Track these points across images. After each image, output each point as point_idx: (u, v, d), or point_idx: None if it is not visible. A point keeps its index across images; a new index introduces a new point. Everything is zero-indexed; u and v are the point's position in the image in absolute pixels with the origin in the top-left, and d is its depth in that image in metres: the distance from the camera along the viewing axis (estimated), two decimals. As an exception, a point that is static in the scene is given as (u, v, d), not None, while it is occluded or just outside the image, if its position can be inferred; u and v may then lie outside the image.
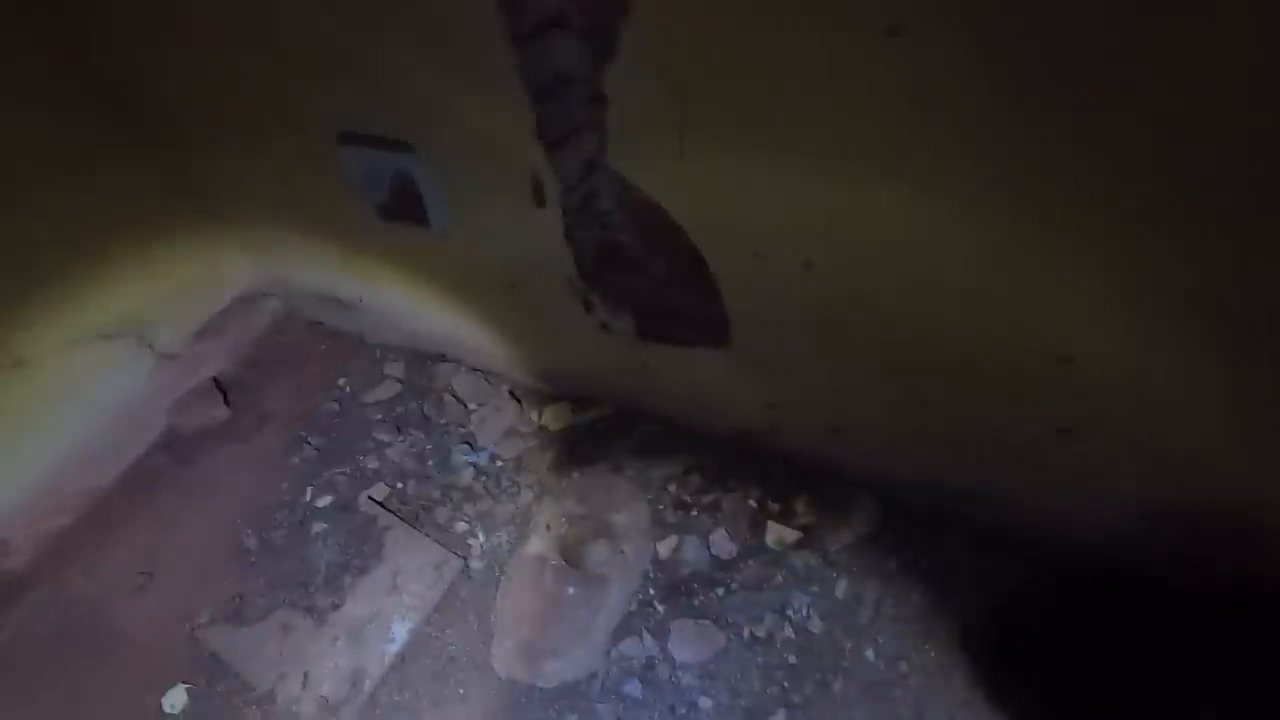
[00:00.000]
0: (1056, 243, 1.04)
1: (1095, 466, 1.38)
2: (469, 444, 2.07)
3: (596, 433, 2.03)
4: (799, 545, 1.73)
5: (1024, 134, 0.93)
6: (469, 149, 1.47)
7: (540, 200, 1.49)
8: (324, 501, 2.02)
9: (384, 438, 2.14)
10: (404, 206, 1.68)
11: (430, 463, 2.06)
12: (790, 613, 1.64)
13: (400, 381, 2.29)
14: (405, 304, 2.13)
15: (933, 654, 1.55)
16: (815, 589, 1.67)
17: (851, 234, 1.20)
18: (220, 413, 2.29)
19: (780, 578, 1.69)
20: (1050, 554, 1.60)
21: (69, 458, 2.03)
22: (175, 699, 1.70)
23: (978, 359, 1.29)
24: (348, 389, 2.31)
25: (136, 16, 1.61)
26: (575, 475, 1.94)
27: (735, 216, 1.28)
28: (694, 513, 1.82)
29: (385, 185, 1.66)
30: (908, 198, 1.09)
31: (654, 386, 1.88)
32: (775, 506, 1.80)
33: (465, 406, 2.17)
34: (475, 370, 2.24)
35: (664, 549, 1.77)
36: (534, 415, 2.10)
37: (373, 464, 2.09)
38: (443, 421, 2.15)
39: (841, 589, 1.66)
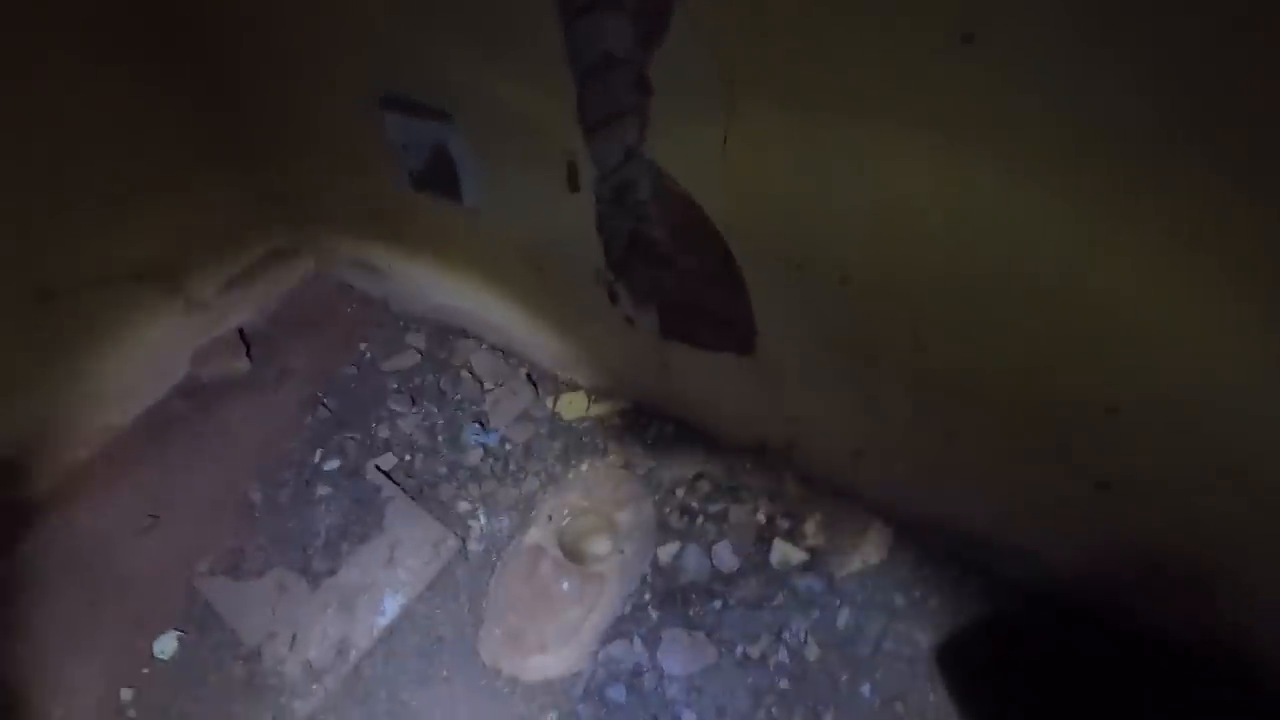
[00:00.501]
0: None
1: (1128, 523, 1.29)
2: (480, 424, 2.04)
3: (610, 427, 1.98)
4: (804, 567, 1.67)
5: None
6: (507, 125, 1.43)
7: (574, 185, 1.44)
8: (331, 465, 2.01)
9: (398, 408, 2.13)
10: (438, 177, 1.65)
11: (440, 438, 2.04)
12: (787, 636, 1.58)
13: (420, 353, 2.27)
14: (432, 276, 2.10)
15: (932, 698, 1.48)
16: (816, 615, 1.60)
17: (894, 248, 1.12)
18: (241, 364, 2.30)
19: (781, 598, 1.63)
20: (1066, 605, 1.51)
21: (90, 394, 2.06)
22: (166, 645, 1.71)
23: (1019, 403, 1.21)
24: (368, 354, 2.30)
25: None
26: (584, 468, 1.90)
27: (774, 220, 1.22)
28: (700, 520, 1.77)
29: (422, 154, 1.63)
30: (966, 207, 1.02)
31: (673, 387, 1.83)
32: (784, 524, 1.74)
33: (481, 385, 2.14)
34: (495, 349, 2.22)
35: (665, 554, 1.73)
36: (549, 402, 2.06)
37: (384, 433, 2.07)
38: (457, 398, 2.13)
39: (844, 618, 1.59)
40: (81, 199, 1.88)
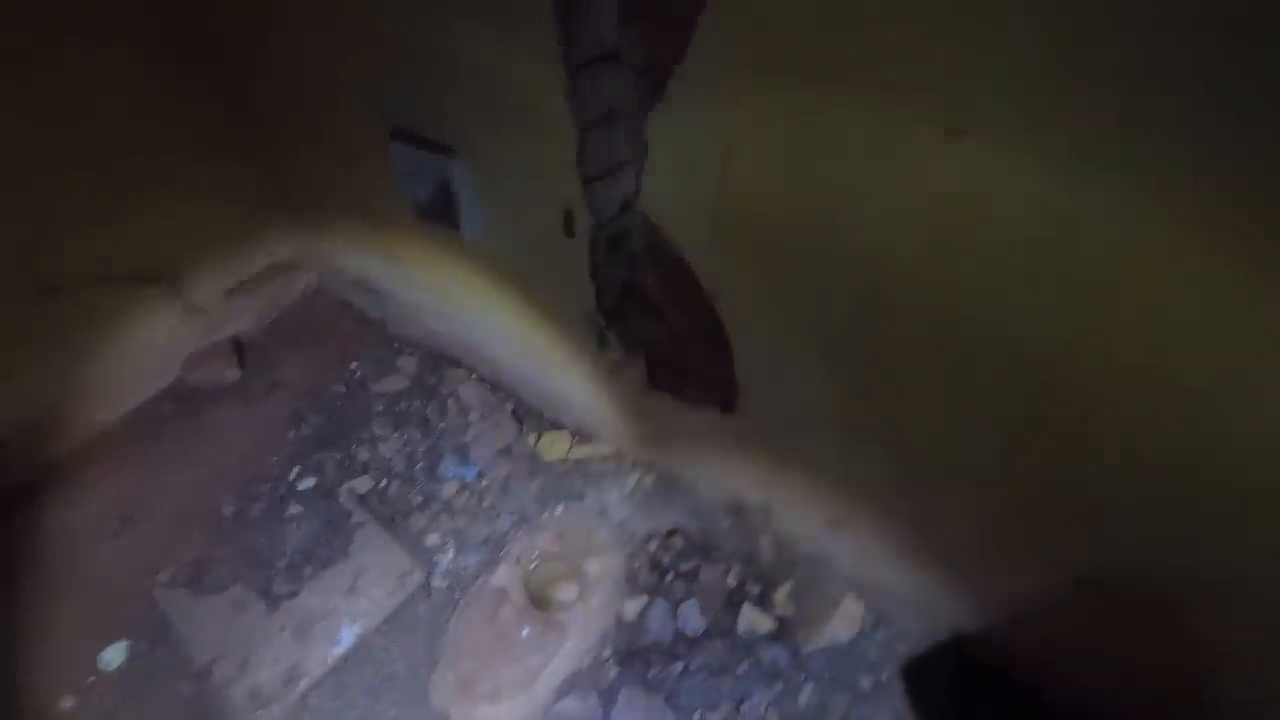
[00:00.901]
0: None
1: (1107, 621, 1.24)
2: (461, 456, 2.02)
3: (589, 472, 1.96)
4: (772, 637, 1.62)
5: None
6: (508, 168, 1.44)
7: (570, 231, 1.44)
8: (307, 483, 1.99)
9: (381, 431, 2.11)
10: (439, 207, 1.66)
11: (419, 466, 2.02)
12: (747, 708, 1.53)
13: (410, 377, 2.27)
14: (428, 302, 2.11)
15: (891, 791, 1.42)
16: (779, 688, 1.55)
17: (877, 333, 1.11)
18: (232, 373, 2.30)
19: (745, 667, 1.58)
20: (1047, 701, 1.45)
21: (80, 388, 2.06)
22: (114, 655, 1.67)
23: (1002, 488, 1.18)
24: (358, 374, 2.30)
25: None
26: (558, 511, 1.87)
27: (761, 289, 1.21)
28: (669, 578, 1.73)
29: (426, 184, 1.64)
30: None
31: (656, 437, 1.81)
32: (755, 589, 1.70)
33: (466, 416, 2.13)
34: (484, 381, 2.20)
35: (630, 609, 1.68)
36: (531, 440, 2.04)
37: (364, 455, 2.05)
38: (441, 426, 2.11)
39: (806, 694, 1.54)
40: (92, 197, 1.90)
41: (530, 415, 2.11)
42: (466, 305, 1.97)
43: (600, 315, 1.60)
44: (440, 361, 2.29)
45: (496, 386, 2.18)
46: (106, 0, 1.74)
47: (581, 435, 2.03)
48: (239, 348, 2.36)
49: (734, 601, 1.68)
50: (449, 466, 2.00)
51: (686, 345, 1.47)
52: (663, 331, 1.50)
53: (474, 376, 2.22)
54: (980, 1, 0.73)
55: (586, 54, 1.13)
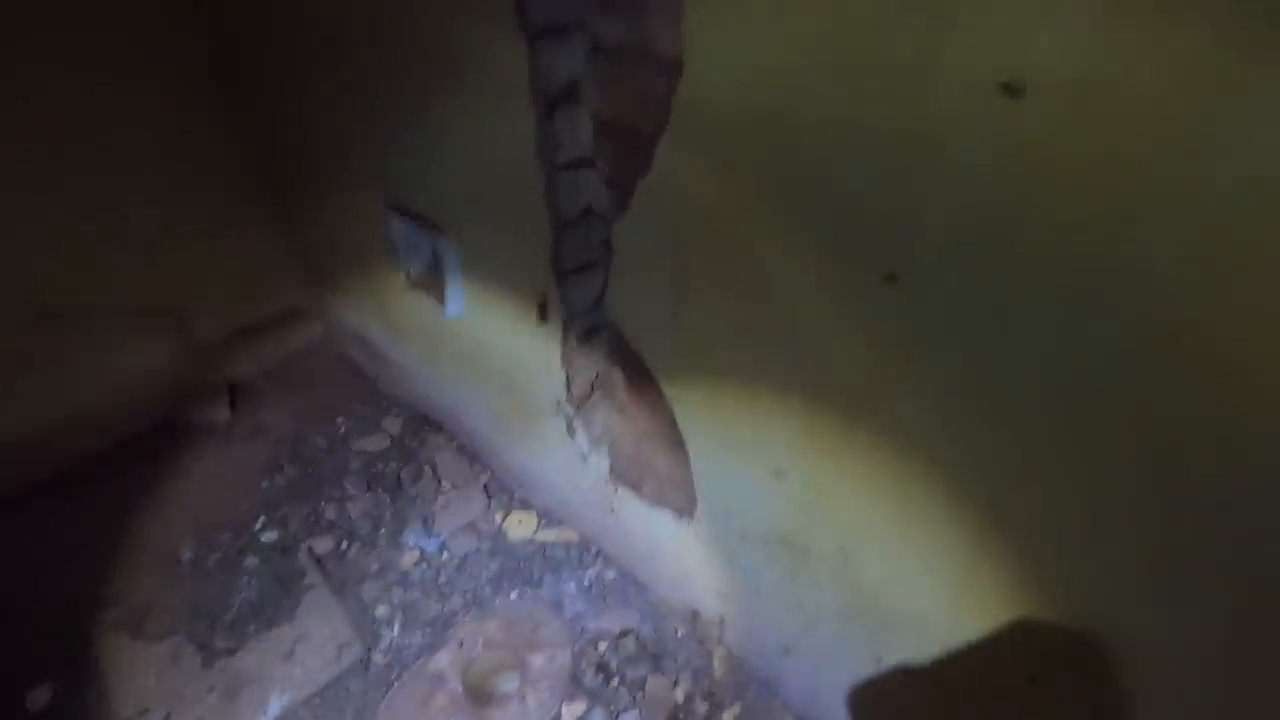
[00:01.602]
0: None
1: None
2: (426, 525, 1.99)
3: (551, 558, 1.90)
4: (713, 765, 1.51)
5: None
6: (490, 253, 1.47)
7: (543, 318, 1.45)
8: (269, 536, 1.97)
9: (353, 490, 2.10)
10: (429, 281, 1.69)
11: (382, 531, 1.99)
12: (676, 843, 1.41)
13: (392, 438, 2.27)
14: (416, 366, 2.13)
15: None
16: (713, 825, 1.44)
17: (825, 457, 1.08)
18: (222, 414, 2.32)
19: (679, 796, 1.48)
20: None
21: (70, 415, 2.10)
22: (39, 697, 1.63)
23: (949, 651, 1.11)
24: (342, 429, 2.30)
25: (263, 42, 1.76)
26: (512, 596, 1.81)
27: (714, 401, 1.19)
28: (614, 683, 1.65)
29: (419, 257, 1.68)
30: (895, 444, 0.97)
31: (619, 531, 1.76)
32: (702, 708, 1.60)
33: (439, 484, 2.10)
34: (463, 451, 2.19)
35: (569, 713, 1.60)
36: (498, 517, 2.00)
37: (331, 513, 2.03)
38: (413, 492, 2.09)
39: (741, 837, 1.42)
40: (117, 230, 1.99)
41: (502, 491, 2.08)
42: (450, 374, 1.98)
43: (569, 404, 1.59)
44: (423, 424, 2.29)
45: (474, 457, 2.16)
46: (145, 56, 1.87)
47: (550, 518, 1.99)
48: (233, 389, 2.39)
49: (678, 718, 1.58)
50: (412, 535, 1.96)
51: (647, 445, 1.45)
52: (625, 427, 1.48)
53: (454, 444, 2.21)
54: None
55: (566, 156, 1.16)
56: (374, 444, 2.25)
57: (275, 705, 1.62)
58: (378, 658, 1.71)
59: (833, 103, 0.76)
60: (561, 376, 1.53)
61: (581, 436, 1.62)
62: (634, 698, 1.62)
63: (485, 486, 2.08)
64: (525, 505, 2.03)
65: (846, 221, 0.83)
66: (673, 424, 1.33)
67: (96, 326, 2.08)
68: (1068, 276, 0.68)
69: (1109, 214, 0.63)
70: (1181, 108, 0.55)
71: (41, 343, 1.99)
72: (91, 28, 1.78)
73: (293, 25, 1.60)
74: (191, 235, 2.16)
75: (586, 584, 1.84)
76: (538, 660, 1.67)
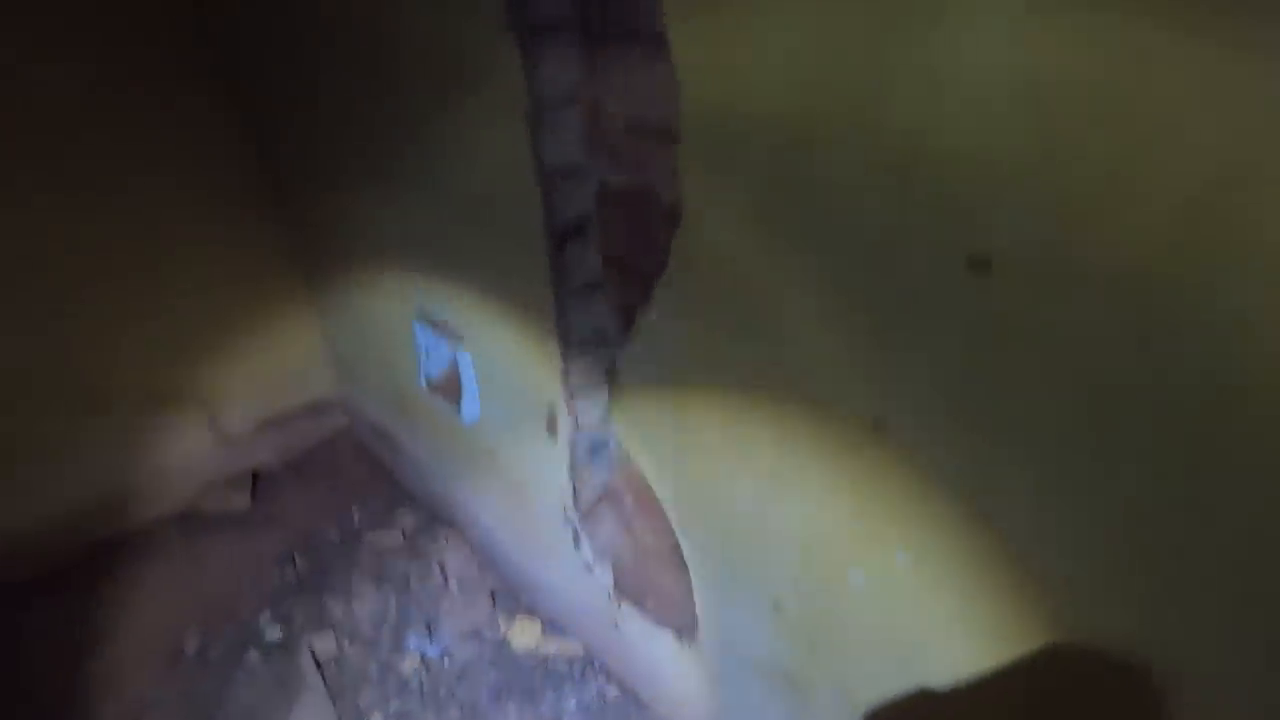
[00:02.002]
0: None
1: None
2: (430, 629, 1.96)
3: (553, 671, 1.85)
4: None
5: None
6: (506, 363, 1.52)
7: (553, 431, 1.48)
8: (273, 634, 1.96)
9: (361, 587, 2.09)
10: (447, 386, 1.75)
11: (385, 632, 1.96)
12: None
13: (405, 534, 2.27)
14: (433, 463, 2.16)
15: None
16: None
17: (822, 597, 1.05)
18: (241, 503, 2.37)
19: None
20: None
21: (95, 502, 2.16)
22: (26, 794, 1.61)
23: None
24: (356, 522, 2.32)
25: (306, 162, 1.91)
26: (510, 710, 1.76)
27: (714, 530, 1.19)
28: (610, 817, 1.56)
29: (439, 363, 1.75)
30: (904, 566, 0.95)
31: (623, 647, 1.71)
32: None
33: (447, 586, 2.09)
34: (474, 552, 2.18)
35: None
36: (502, 623, 1.97)
37: (337, 611, 2.02)
38: (420, 593, 2.07)
39: None
40: (155, 323, 2.12)
41: (509, 596, 2.05)
42: (464, 475, 2.01)
43: (575, 513, 1.59)
44: (438, 521, 2.30)
45: (483, 558, 2.15)
46: (192, 155, 2.04)
47: (553, 627, 1.94)
48: (255, 479, 2.45)
49: None
50: (415, 638, 1.93)
51: (651, 563, 1.43)
52: (630, 542, 1.47)
53: (464, 544, 2.21)
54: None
55: (576, 284, 1.23)
56: (386, 539, 2.25)
57: (258, 820, 1.57)
58: (368, 772, 1.66)
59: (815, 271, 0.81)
60: (569, 487, 1.54)
61: (587, 547, 1.61)
62: (630, 834, 1.53)
63: (492, 591, 2.06)
64: (531, 611, 1.99)
65: (832, 374, 0.85)
66: (675, 545, 1.32)
67: (130, 415, 2.17)
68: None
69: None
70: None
71: (76, 429, 2.08)
72: (136, 126, 1.95)
73: (339, 143, 1.74)
74: (229, 329, 2.28)
75: (587, 701, 1.77)
76: (531, 785, 1.60)
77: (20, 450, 2.03)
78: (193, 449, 2.33)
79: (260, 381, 2.43)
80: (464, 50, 1.15)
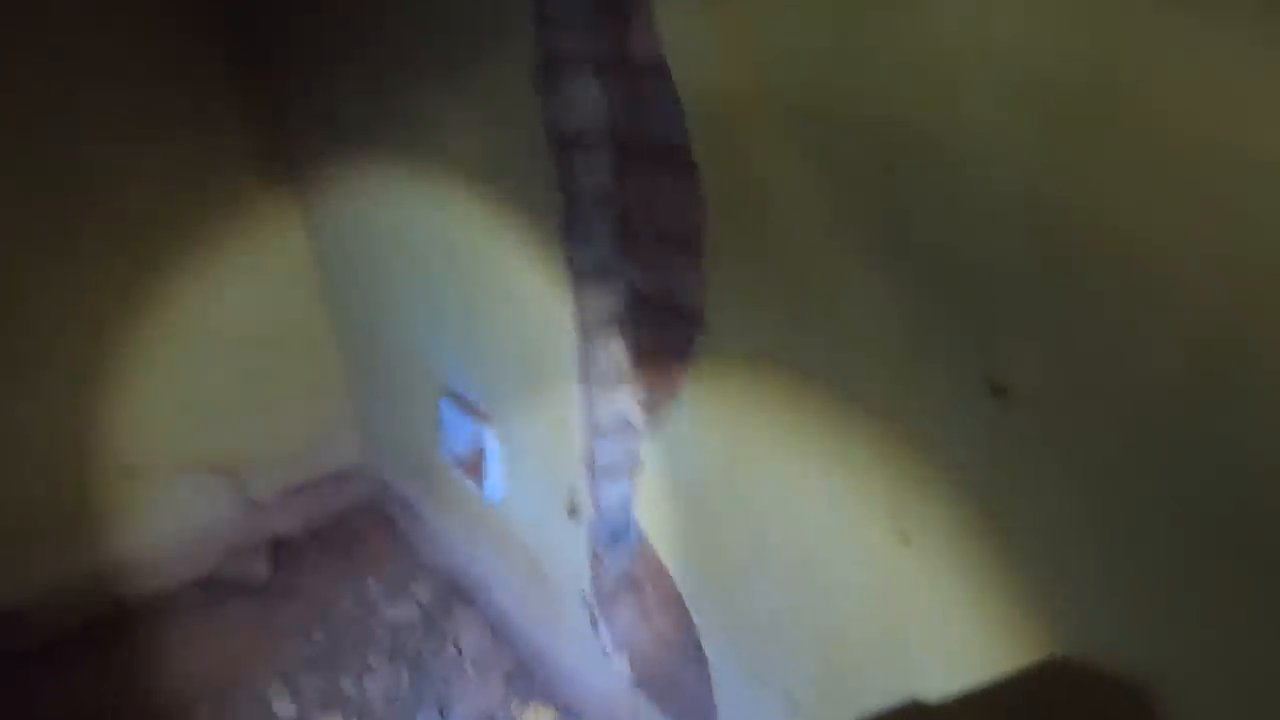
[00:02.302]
0: None
1: None
2: (440, 711, 1.92)
3: (566, 761, 1.80)
4: None
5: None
6: (529, 446, 1.55)
7: (573, 513, 1.49)
8: (284, 709, 1.93)
9: (373, 663, 2.07)
10: (470, 463, 1.78)
11: (396, 709, 1.93)
12: None
13: (421, 607, 2.26)
14: (453, 538, 2.17)
15: None
16: None
17: (843, 698, 1.03)
18: (262, 571, 2.38)
19: None
20: None
21: (117, 567, 2.19)
22: None
23: None
24: (373, 594, 2.31)
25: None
26: (520, 804, 1.70)
27: (735, 626, 1.18)
28: None
29: (463, 440, 1.78)
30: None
31: (638, 740, 1.66)
32: None
33: (461, 664, 2.06)
34: (491, 629, 2.16)
35: None
36: (516, 708, 1.93)
37: (348, 688, 2.00)
38: (434, 670, 2.04)
39: None
40: (192, 394, 2.19)
41: (524, 676, 2.01)
42: (484, 551, 2.01)
43: (594, 598, 1.58)
44: (455, 594, 2.28)
45: (500, 637, 2.12)
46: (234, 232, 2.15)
47: (568, 713, 1.90)
48: (276, 547, 2.46)
49: None
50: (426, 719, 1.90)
51: (668, 656, 1.41)
52: (647, 632, 1.45)
53: (481, 620, 2.18)
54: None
55: (600, 378, 1.26)
56: (403, 612, 2.24)
57: None
58: None
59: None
60: (588, 572, 1.53)
61: (605, 634, 1.59)
62: None
63: (507, 672, 2.02)
64: (546, 695, 1.95)
65: (853, 483, 0.86)
66: (696, 638, 1.31)
67: (153, 480, 2.22)
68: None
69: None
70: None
71: (101, 495, 2.13)
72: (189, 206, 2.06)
73: (370, 231, 1.83)
74: (258, 394, 2.34)
75: (600, 797, 1.71)
76: None
77: (39, 516, 2.07)
78: (215, 515, 2.36)
79: (286, 448, 2.47)
80: (504, 160, 1.23)
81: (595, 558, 1.50)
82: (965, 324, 0.68)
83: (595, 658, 1.68)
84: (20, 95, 1.77)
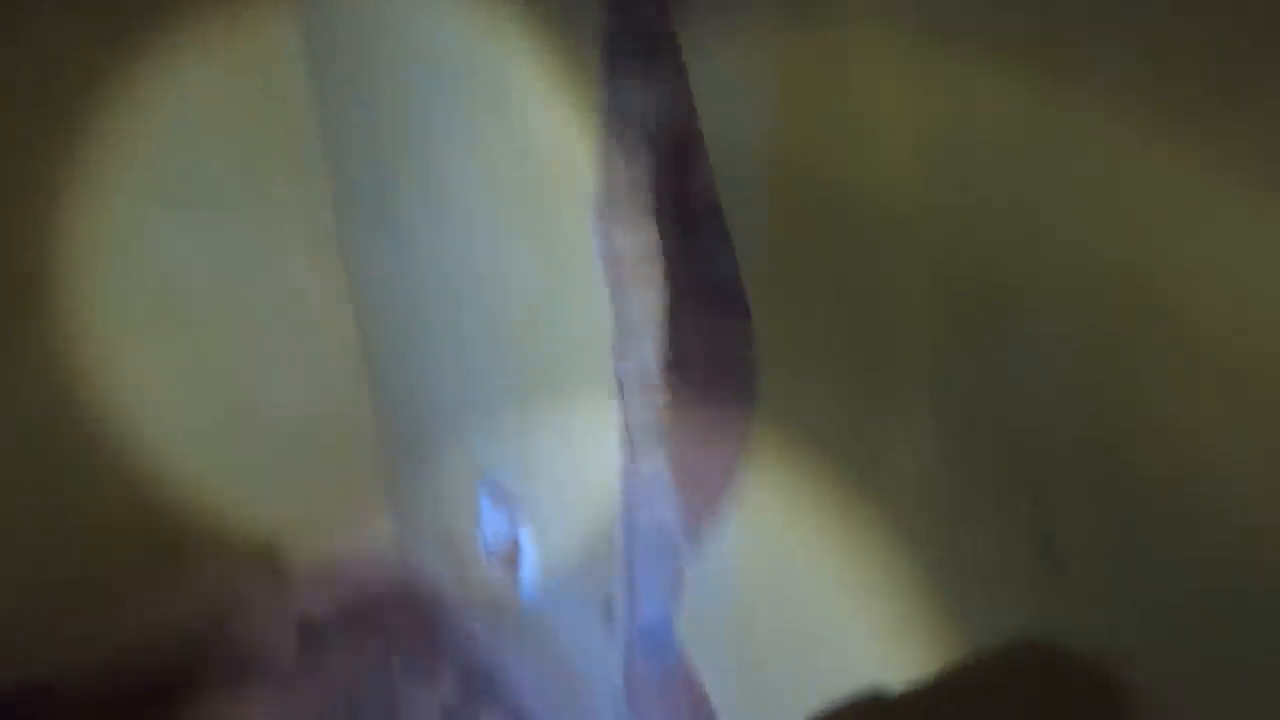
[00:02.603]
0: None
1: None
2: (461, 815, 1.87)
3: None
4: None
5: None
6: (566, 545, 1.57)
7: (609, 618, 1.49)
8: (303, 803, 1.90)
9: (393, 758, 2.03)
10: (506, 558, 1.79)
11: (415, 816, 1.88)
12: None
13: (443, 697, 2.22)
14: (483, 629, 2.15)
15: None
16: None
17: None
18: (287, 651, 2.37)
19: None
20: None
21: (145, 644, 2.21)
22: None
23: None
24: (398, 679, 2.29)
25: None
26: None
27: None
28: None
29: (500, 534, 1.80)
30: None
31: None
32: None
33: (483, 764, 2.01)
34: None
35: None
36: (538, 816, 1.86)
37: (366, 785, 1.96)
38: (453, 770, 2.00)
39: None
40: (231, 473, 2.25)
41: (545, 782, 1.95)
42: (512, 645, 1.99)
43: (625, 706, 1.55)
44: (479, 685, 2.24)
45: (522, 735, 2.08)
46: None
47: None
48: (302, 627, 2.46)
49: None
50: (444, 826, 1.84)
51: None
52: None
53: (507, 711, 2.14)
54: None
55: (643, 488, 1.28)
56: (425, 702, 2.20)
57: None
58: None
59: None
60: (621, 685, 1.51)
61: (634, 746, 1.56)
62: None
63: (529, 776, 1.97)
64: (568, 805, 1.88)
65: (896, 619, 0.87)
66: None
67: (189, 560, 2.25)
68: None
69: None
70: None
71: (137, 574, 2.17)
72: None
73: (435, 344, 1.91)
74: (295, 476, 2.39)
75: None
76: None
77: (67, 590, 2.10)
78: (251, 594, 2.38)
79: (321, 529, 2.50)
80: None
81: (629, 671, 1.48)
82: (1014, 486, 0.70)
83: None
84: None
